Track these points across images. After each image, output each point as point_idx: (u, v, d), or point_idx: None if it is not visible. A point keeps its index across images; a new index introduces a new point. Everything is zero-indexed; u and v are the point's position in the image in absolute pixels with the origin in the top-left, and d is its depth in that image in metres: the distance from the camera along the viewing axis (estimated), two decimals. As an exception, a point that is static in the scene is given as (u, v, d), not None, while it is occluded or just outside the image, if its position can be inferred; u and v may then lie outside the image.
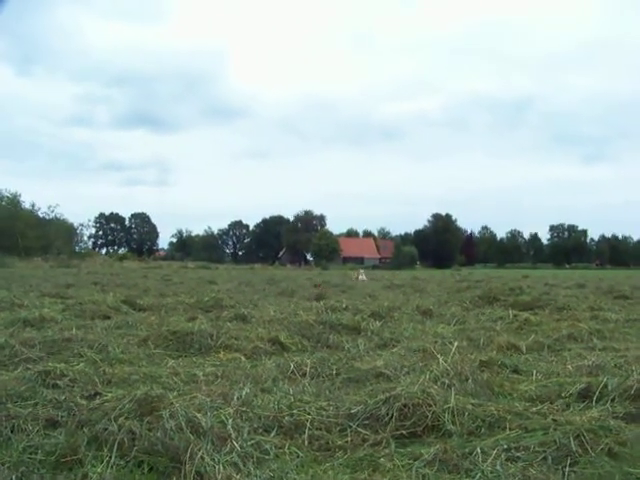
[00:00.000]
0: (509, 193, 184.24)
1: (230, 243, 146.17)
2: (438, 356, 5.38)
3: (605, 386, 4.62)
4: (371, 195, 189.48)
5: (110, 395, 4.28)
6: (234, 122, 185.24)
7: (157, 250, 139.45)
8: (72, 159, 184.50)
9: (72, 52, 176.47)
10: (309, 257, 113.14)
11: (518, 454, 3.40)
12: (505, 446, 3.47)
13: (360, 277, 34.76)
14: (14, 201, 77.68)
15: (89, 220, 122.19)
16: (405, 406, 3.95)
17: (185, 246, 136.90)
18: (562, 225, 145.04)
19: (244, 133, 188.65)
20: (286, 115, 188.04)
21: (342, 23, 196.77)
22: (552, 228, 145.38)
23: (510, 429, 3.80)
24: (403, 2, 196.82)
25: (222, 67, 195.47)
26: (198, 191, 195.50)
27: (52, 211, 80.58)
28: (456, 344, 6.04)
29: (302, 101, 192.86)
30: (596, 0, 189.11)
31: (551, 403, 4.45)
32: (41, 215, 79.92)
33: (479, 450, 3.41)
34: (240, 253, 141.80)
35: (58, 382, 4.84)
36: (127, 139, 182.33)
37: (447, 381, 4.69)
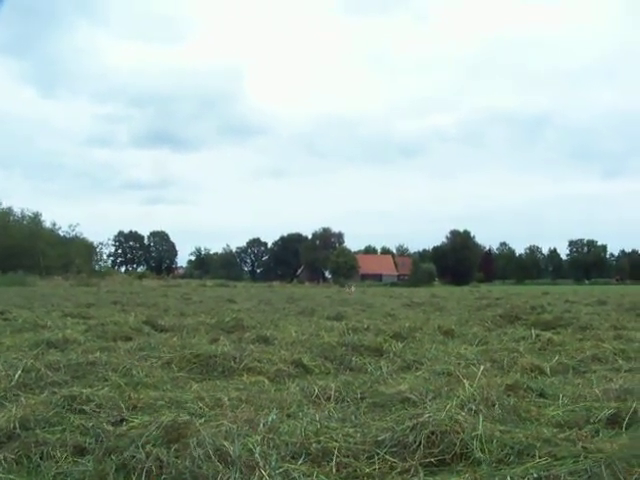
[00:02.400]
0: (528, 209, 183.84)
1: (248, 261, 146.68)
2: (464, 380, 5.35)
3: (635, 412, 4.56)
4: (389, 212, 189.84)
5: (137, 421, 4.28)
6: (253, 140, 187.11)
7: (176, 268, 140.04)
8: (93, 179, 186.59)
9: (93, 73, 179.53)
10: (327, 274, 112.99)
11: (548, 483, 3.35)
12: (535, 475, 3.42)
13: (352, 289, 45.78)
14: (35, 220, 78.64)
15: (108, 239, 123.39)
16: (433, 433, 3.91)
17: (203, 264, 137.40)
18: (581, 240, 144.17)
19: (263, 151, 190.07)
20: (304, 133, 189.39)
21: (359, 41, 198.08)
22: (571, 243, 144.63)
23: (539, 457, 3.74)
24: (418, 20, 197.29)
25: (240, 86, 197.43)
26: (216, 209, 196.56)
27: (73, 230, 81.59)
28: (482, 368, 6.00)
29: (320, 119, 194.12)
30: (613, 15, 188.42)
31: (579, 429, 4.38)
32: (62, 234, 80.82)
33: (509, 479, 3.37)
34: (258, 271, 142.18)
35: (84, 407, 4.84)
36: (147, 158, 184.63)
37: (474, 407, 4.64)
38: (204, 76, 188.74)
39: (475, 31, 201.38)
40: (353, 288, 48.35)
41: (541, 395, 5.62)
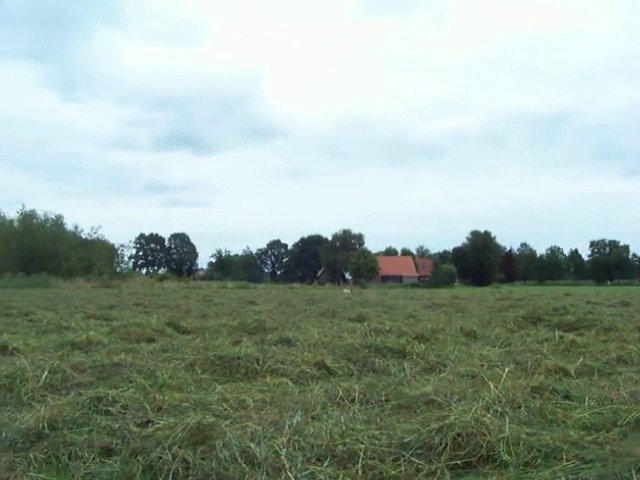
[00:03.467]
0: (548, 209, 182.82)
1: (269, 262, 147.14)
2: (489, 382, 5.32)
3: (663, 415, 4.52)
4: (409, 213, 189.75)
5: (162, 423, 4.30)
6: (272, 143, 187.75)
7: (196, 270, 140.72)
8: (114, 181, 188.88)
9: (114, 77, 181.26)
10: (347, 276, 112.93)
11: (577, 487, 3.33)
12: (563, 478, 3.40)
13: (346, 291, 51.26)
14: (58, 223, 79.35)
15: (130, 241, 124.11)
16: (459, 435, 3.90)
17: (224, 266, 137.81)
18: (603, 241, 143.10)
19: (282, 153, 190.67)
20: (324, 135, 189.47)
21: (378, 42, 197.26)
22: (593, 244, 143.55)
23: (567, 460, 3.71)
24: (437, 20, 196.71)
25: (260, 88, 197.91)
26: (237, 211, 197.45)
27: (94, 232, 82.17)
28: (507, 370, 5.97)
29: (339, 121, 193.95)
30: (631, 10, 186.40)
31: (607, 432, 4.33)
32: (84, 236, 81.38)
33: (537, 482, 3.35)
34: (279, 272, 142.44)
35: (110, 409, 4.87)
36: (168, 161, 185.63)
37: (500, 409, 4.62)
38: (224, 79, 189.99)
39: (492, 31, 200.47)
40: (345, 290, 54.99)
41: (567, 397, 5.56)
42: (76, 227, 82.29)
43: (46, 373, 6.14)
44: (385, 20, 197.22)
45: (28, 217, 78.53)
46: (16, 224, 78.98)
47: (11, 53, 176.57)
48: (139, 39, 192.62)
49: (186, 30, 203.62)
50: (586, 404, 5.24)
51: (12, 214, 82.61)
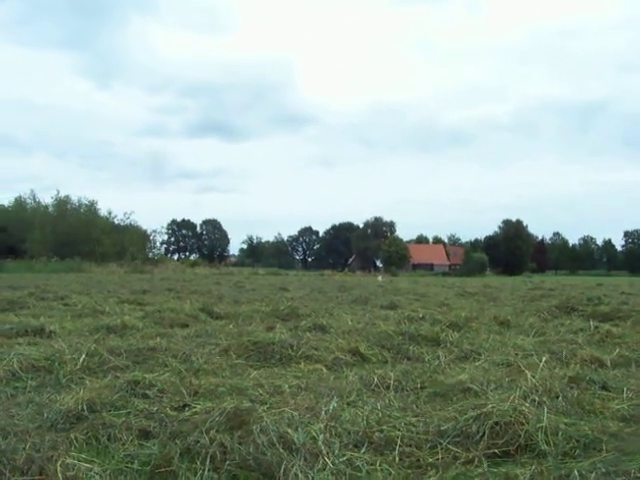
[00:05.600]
0: (581, 198, 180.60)
1: (300, 249, 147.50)
2: (526, 371, 5.27)
3: None
4: (441, 201, 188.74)
5: (199, 407, 4.33)
6: (303, 130, 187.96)
7: (228, 256, 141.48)
8: (147, 168, 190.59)
9: (145, 65, 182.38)
10: (379, 264, 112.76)
11: (618, 479, 3.28)
12: (603, 469, 3.34)
13: (380, 278, 52.19)
14: (91, 208, 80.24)
15: (162, 227, 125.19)
16: (497, 424, 3.86)
17: (255, 252, 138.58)
18: (637, 231, 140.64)
19: (313, 141, 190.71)
20: (354, 122, 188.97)
21: (407, 30, 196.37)
22: (627, 234, 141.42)
23: (606, 451, 3.67)
24: (468, 7, 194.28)
25: (290, 76, 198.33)
26: (268, 198, 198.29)
27: (127, 218, 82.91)
28: (544, 359, 5.91)
29: (369, 108, 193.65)
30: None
31: (647, 424, 4.29)
32: (116, 222, 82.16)
33: (576, 473, 3.29)
34: (310, 260, 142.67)
35: (147, 392, 4.92)
36: (199, 148, 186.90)
37: (537, 398, 4.57)
38: (255, 66, 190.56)
39: (526, 19, 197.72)
40: (380, 277, 55.42)
41: (604, 388, 5.48)
42: (109, 213, 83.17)
43: (83, 356, 6.22)
44: (416, 8, 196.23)
45: (62, 203, 79.57)
46: (51, 209, 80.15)
47: (47, 42, 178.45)
48: (172, 27, 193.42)
49: (218, 18, 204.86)
50: (624, 395, 5.17)
51: (47, 200, 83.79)
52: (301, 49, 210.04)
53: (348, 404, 4.72)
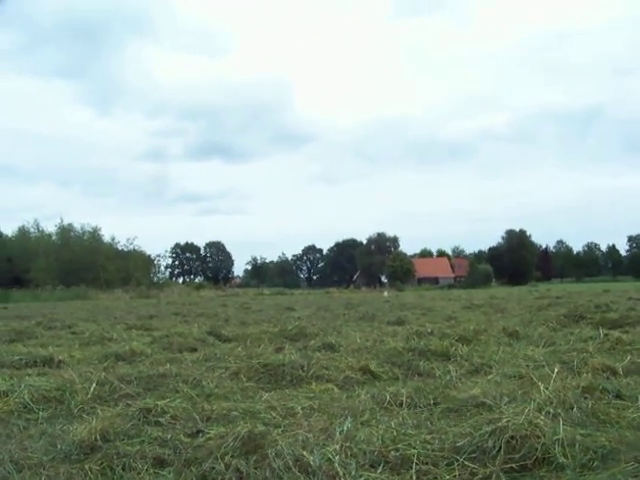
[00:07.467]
0: (583, 205, 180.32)
1: (304, 268, 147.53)
2: (538, 383, 5.25)
3: None
4: (443, 214, 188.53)
5: (213, 432, 4.32)
6: (303, 148, 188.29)
7: (232, 278, 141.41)
8: (148, 192, 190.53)
9: (144, 89, 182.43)
10: (384, 279, 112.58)
11: (638, 490, 3.25)
12: (623, 480, 3.33)
13: (386, 294, 52.05)
14: (95, 235, 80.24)
15: (165, 250, 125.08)
16: (513, 438, 3.84)
17: (260, 273, 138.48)
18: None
19: (313, 159, 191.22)
20: (354, 138, 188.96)
21: (404, 44, 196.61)
22: (631, 239, 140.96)
23: (625, 462, 3.64)
24: (462, 19, 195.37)
25: (289, 95, 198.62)
26: (271, 217, 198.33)
27: (131, 243, 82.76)
28: (556, 369, 5.88)
29: (369, 123, 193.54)
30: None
31: (664, 433, 4.26)
32: (120, 248, 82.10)
33: (596, 485, 3.28)
34: (315, 277, 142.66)
35: (160, 419, 4.90)
36: (200, 170, 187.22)
37: (552, 410, 4.55)
38: (253, 87, 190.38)
39: (520, 27, 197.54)
40: (386, 293, 55.59)
41: (618, 397, 5.44)
42: (113, 238, 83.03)
43: (94, 385, 6.19)
44: (411, 21, 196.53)
45: (66, 230, 79.55)
46: (54, 238, 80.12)
47: (47, 70, 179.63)
48: (169, 50, 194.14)
49: (215, 40, 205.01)
50: (639, 403, 5.14)
51: (51, 228, 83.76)
52: (298, 68, 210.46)
53: (362, 423, 4.70)
